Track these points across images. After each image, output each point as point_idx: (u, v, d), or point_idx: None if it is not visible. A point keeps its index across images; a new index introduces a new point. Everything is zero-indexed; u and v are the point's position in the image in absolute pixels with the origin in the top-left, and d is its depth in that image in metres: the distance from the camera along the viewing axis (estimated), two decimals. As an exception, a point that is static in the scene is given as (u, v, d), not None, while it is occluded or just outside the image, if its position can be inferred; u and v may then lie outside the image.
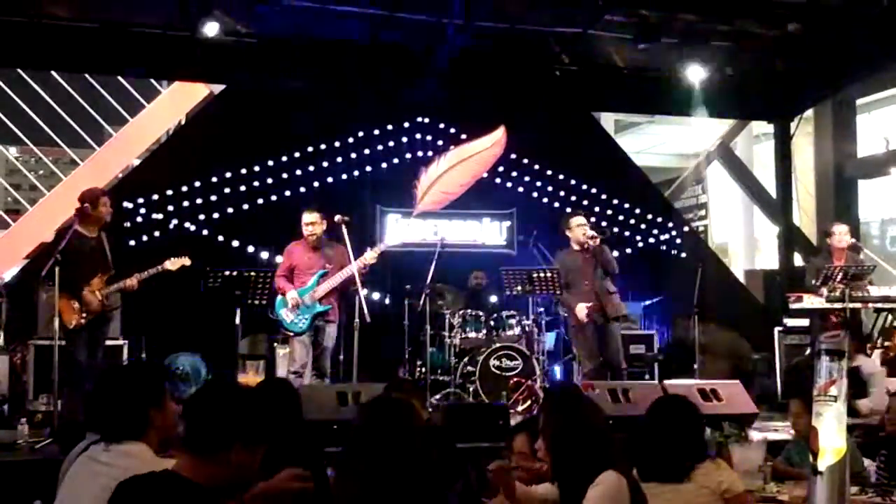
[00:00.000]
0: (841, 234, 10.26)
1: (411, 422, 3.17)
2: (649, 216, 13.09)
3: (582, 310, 9.24)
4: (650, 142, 20.44)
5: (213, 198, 11.31)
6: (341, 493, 3.13)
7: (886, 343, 10.36)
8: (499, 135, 10.84)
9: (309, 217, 9.06)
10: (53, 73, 13.74)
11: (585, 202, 12.68)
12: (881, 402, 7.54)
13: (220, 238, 11.29)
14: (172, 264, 8.52)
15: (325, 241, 9.11)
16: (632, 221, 12.99)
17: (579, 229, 9.44)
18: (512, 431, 4.79)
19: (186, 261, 8.61)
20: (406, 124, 12.08)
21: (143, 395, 3.55)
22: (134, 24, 10.70)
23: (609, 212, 12.84)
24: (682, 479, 4.19)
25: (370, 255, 8.99)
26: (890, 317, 10.42)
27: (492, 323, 10.56)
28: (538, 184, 12.56)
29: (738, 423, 7.95)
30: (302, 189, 11.50)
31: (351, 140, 11.84)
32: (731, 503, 4.23)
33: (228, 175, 11.36)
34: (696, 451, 4.34)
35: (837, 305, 9.82)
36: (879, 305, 10.24)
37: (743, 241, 19.64)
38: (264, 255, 11.27)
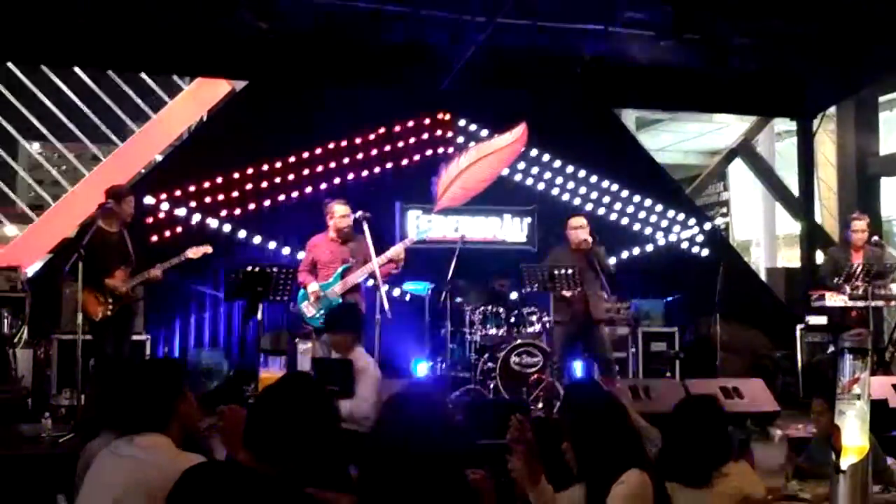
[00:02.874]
0: (859, 227, 10.18)
1: (435, 416, 3.17)
2: (671, 213, 13.05)
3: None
4: (672, 139, 20.39)
5: (235, 194, 11.34)
6: (365, 490, 3.14)
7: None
8: (519, 131, 10.81)
9: (343, 209, 9.09)
10: (76, 69, 13.78)
11: (606, 199, 12.68)
12: None
13: (242, 234, 11.32)
14: (194, 253, 8.62)
15: (350, 235, 9.14)
16: (653, 219, 12.96)
17: (573, 232, 9.57)
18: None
19: (208, 248, 8.71)
20: (427, 121, 12.09)
21: (166, 388, 3.62)
22: (156, 20, 10.73)
23: (630, 209, 12.82)
24: (705, 483, 4.18)
25: (397, 249, 9.02)
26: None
27: (512, 319, 10.56)
28: (559, 181, 12.55)
29: (760, 421, 7.95)
30: (323, 185, 11.52)
31: (372, 136, 11.85)
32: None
33: (250, 171, 11.39)
34: (720, 453, 4.34)
35: (860, 304, 9.77)
36: (902, 304, 10.20)
37: (765, 238, 19.56)
38: (286, 251, 11.29)
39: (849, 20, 10.83)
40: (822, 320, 10.65)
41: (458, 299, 10.51)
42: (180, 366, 3.89)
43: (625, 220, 12.73)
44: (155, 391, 3.61)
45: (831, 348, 10.08)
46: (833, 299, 9.93)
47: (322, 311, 8.86)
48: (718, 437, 4.39)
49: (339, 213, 9.06)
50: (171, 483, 3.05)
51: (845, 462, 4.45)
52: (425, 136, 12.09)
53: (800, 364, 10.93)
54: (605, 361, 9.63)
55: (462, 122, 12.19)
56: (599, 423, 3.79)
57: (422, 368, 10.50)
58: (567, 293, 9.42)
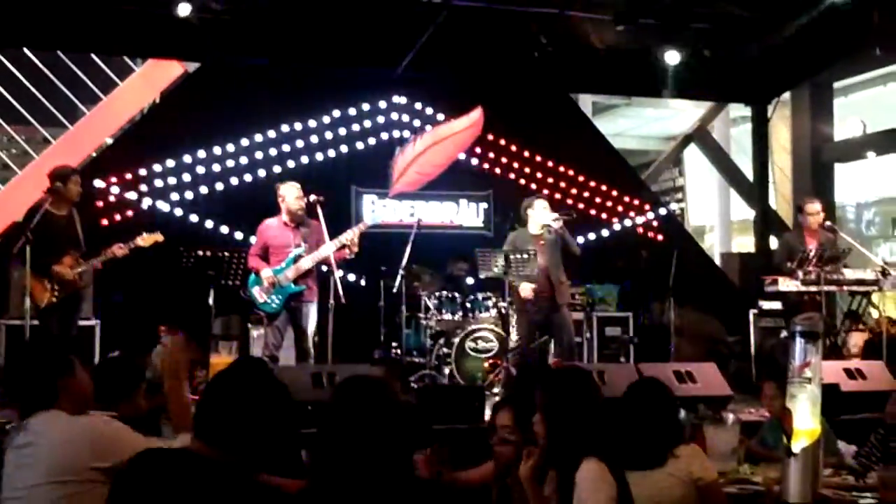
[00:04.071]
0: (813, 213, 10.22)
1: (387, 401, 3.13)
2: (626, 198, 13.08)
3: (526, 288, 9.26)
4: (628, 124, 20.43)
5: (187, 177, 11.22)
6: (316, 475, 3.10)
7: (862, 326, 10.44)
8: (476, 116, 10.75)
9: (295, 190, 8.89)
10: (25, 50, 13.55)
11: (562, 184, 12.68)
12: None
13: (194, 218, 11.20)
14: (144, 240, 8.50)
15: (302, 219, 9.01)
16: (608, 204, 12.98)
17: (544, 211, 9.45)
18: (495, 407, 4.79)
19: (159, 237, 8.60)
20: (382, 104, 12.02)
21: (45, 368, 3.65)
22: (108, 0, 10.57)
23: (586, 194, 12.82)
24: (656, 465, 4.17)
25: (350, 235, 8.87)
26: (864, 300, 10.48)
27: (468, 305, 10.55)
28: (515, 165, 12.54)
29: (713, 405, 7.98)
30: (277, 169, 11.41)
31: (327, 120, 11.78)
32: (703, 491, 4.21)
33: (202, 155, 11.28)
34: (671, 436, 4.33)
35: (812, 288, 9.84)
36: (854, 288, 10.29)
37: (719, 223, 19.68)
38: (238, 235, 11.19)
39: (804, 4, 10.87)
40: (775, 305, 10.73)
41: (414, 284, 10.46)
42: (60, 344, 3.98)
43: (581, 205, 12.71)
44: (34, 372, 3.66)
45: (784, 333, 10.15)
46: (786, 284, 9.98)
47: (274, 296, 8.74)
48: (668, 417, 4.38)
49: (293, 196, 8.89)
50: (77, 441, 3.31)
51: (797, 445, 4.47)
52: (381, 119, 12.03)
53: (753, 349, 11.02)
54: (567, 346, 9.57)
55: (418, 106, 12.14)
56: (583, 405, 3.79)
57: (376, 354, 10.44)
58: (526, 294, 9.30)
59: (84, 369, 3.80)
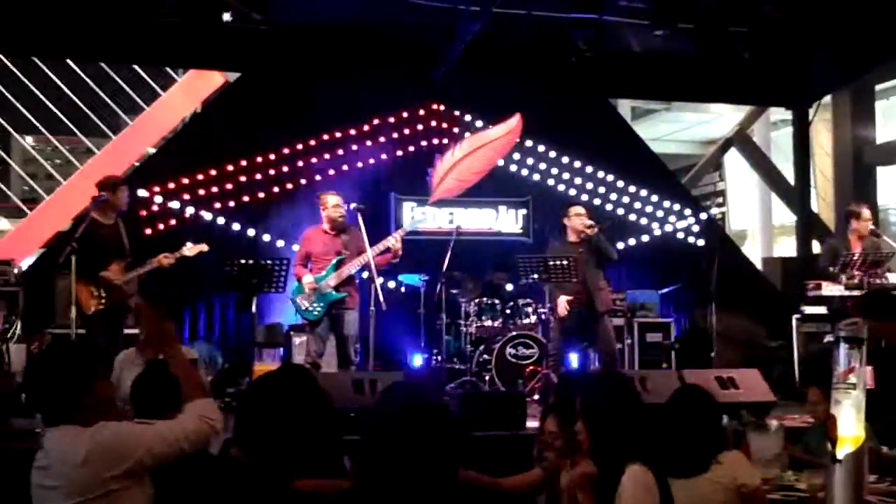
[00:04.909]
0: (867, 217, 10.16)
1: (431, 408, 3.15)
2: (666, 204, 13.03)
3: (562, 303, 9.27)
4: (667, 129, 20.39)
5: (229, 186, 11.31)
6: (360, 481, 3.12)
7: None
8: (514, 122, 10.76)
9: (335, 199, 9.06)
10: (69, 61, 13.75)
11: (602, 189, 12.65)
12: None
13: (236, 227, 11.29)
14: (190, 250, 8.58)
15: (344, 227, 9.10)
16: (648, 209, 12.93)
17: (577, 219, 9.50)
18: (543, 413, 4.82)
19: (204, 247, 8.68)
20: (421, 112, 12.06)
21: (74, 379, 3.51)
22: (150, 11, 10.69)
23: (626, 199, 12.79)
24: (700, 472, 4.17)
25: (392, 240, 8.96)
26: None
27: (508, 311, 10.55)
28: (554, 171, 12.53)
29: (756, 411, 7.92)
30: (318, 177, 11.48)
31: (366, 128, 11.82)
32: (747, 498, 4.20)
33: (244, 163, 11.36)
34: (714, 442, 4.33)
35: (856, 293, 9.75)
36: (898, 293, 10.19)
37: (761, 228, 19.55)
38: (280, 243, 11.27)
39: (845, 7, 10.79)
40: (818, 310, 10.64)
41: (454, 291, 10.49)
42: (92, 352, 3.80)
43: (620, 211, 12.69)
44: (58, 385, 3.50)
45: (828, 338, 10.06)
46: (829, 289, 9.91)
47: (316, 304, 8.82)
48: (711, 425, 4.37)
49: (332, 204, 9.03)
50: (90, 460, 3.22)
51: (841, 451, 4.44)
52: (420, 126, 12.06)
53: (796, 354, 10.91)
54: (608, 353, 9.57)
55: (457, 113, 12.16)
56: (618, 415, 3.80)
57: (417, 361, 10.47)
58: (562, 310, 9.32)
59: (108, 380, 3.74)
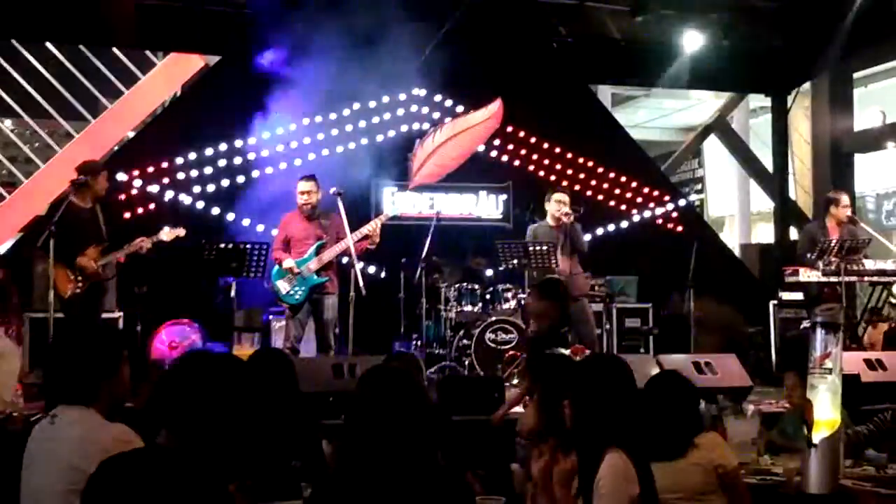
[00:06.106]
0: (846, 204, 10.25)
1: (410, 392, 3.16)
2: (645, 190, 13.06)
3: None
4: (647, 115, 20.43)
5: (209, 170, 11.26)
6: (339, 465, 3.13)
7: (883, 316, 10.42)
8: (495, 108, 10.79)
9: (304, 185, 9.04)
10: (48, 44, 13.65)
11: (581, 175, 12.67)
12: None
13: (216, 211, 11.26)
14: (167, 235, 8.57)
15: (321, 212, 9.09)
16: (628, 195, 12.96)
17: (556, 205, 9.56)
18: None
19: (181, 231, 8.67)
20: (402, 96, 12.03)
21: (97, 363, 3.48)
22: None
23: (605, 185, 12.81)
24: (678, 456, 4.20)
25: (372, 226, 8.97)
26: (884, 290, 10.46)
27: (487, 296, 10.58)
28: (534, 157, 12.52)
29: (733, 396, 7.98)
30: (297, 161, 11.45)
31: (346, 112, 11.79)
32: (725, 478, 4.24)
33: (224, 147, 11.31)
34: (691, 427, 4.36)
35: (833, 279, 9.83)
36: (875, 279, 10.27)
37: (739, 214, 19.65)
38: (260, 228, 11.23)
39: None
40: (796, 296, 10.72)
41: (434, 276, 10.51)
42: (117, 337, 3.69)
43: (600, 197, 12.71)
44: (86, 364, 3.45)
45: (805, 324, 10.14)
46: (807, 275, 9.98)
47: (297, 288, 8.83)
48: (688, 409, 4.40)
49: (300, 190, 9.04)
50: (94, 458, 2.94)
51: (817, 436, 4.49)
52: (400, 111, 12.03)
53: (773, 339, 11.00)
54: (587, 336, 9.62)
55: (437, 98, 12.14)
56: (614, 399, 3.78)
57: (397, 346, 10.49)
58: (550, 268, 9.41)
59: (127, 367, 3.63)
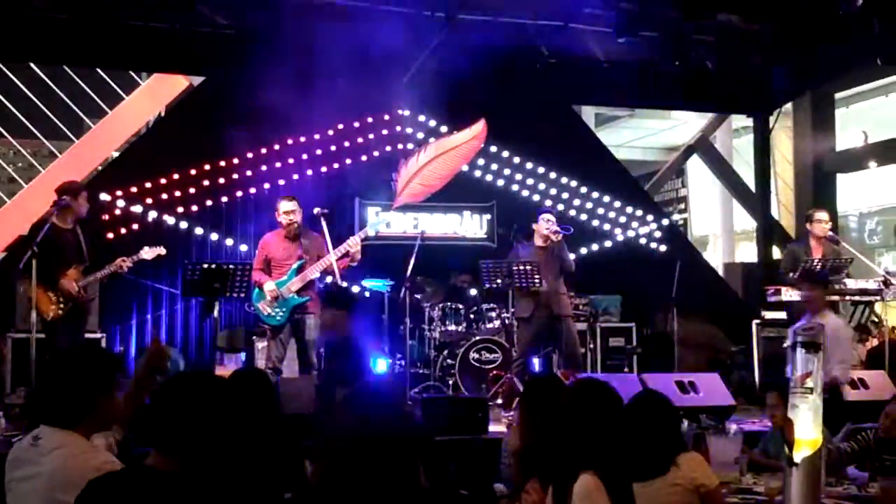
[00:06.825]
0: (822, 221, 10.26)
1: (394, 412, 3.16)
2: (629, 209, 13.10)
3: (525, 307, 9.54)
4: (630, 136, 20.49)
5: (192, 190, 11.23)
6: (321, 486, 3.13)
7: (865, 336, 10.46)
8: (479, 128, 10.78)
9: (288, 205, 9.00)
10: (32, 64, 13.64)
11: (565, 195, 12.70)
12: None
13: (199, 231, 11.23)
14: (148, 253, 8.58)
15: (301, 231, 9.06)
16: (611, 215, 12.99)
17: (546, 223, 9.59)
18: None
19: (162, 250, 8.70)
20: (386, 117, 12.05)
21: (89, 384, 3.46)
22: (113, 15, 10.63)
23: (589, 205, 12.84)
24: (658, 475, 4.20)
25: (352, 242, 8.94)
26: (866, 309, 10.49)
27: (472, 316, 10.58)
28: (518, 177, 12.55)
29: (716, 415, 8.01)
30: (281, 182, 11.44)
31: (331, 132, 11.78)
32: (706, 498, 4.25)
33: (207, 167, 11.29)
34: (672, 446, 4.36)
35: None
36: (857, 298, 10.30)
37: (722, 234, 19.72)
38: (243, 248, 11.22)
39: (804, 16, 10.91)
40: (778, 315, 10.75)
41: (418, 296, 10.51)
42: (112, 360, 3.67)
43: (583, 216, 12.74)
44: (74, 386, 3.44)
45: (786, 343, 10.17)
46: (789, 294, 10.01)
47: (278, 309, 8.80)
48: (670, 430, 4.41)
49: (283, 210, 8.99)
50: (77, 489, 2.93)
51: (798, 455, 4.50)
52: (385, 131, 12.05)
53: (756, 359, 11.02)
54: (572, 356, 9.65)
55: (422, 118, 12.16)
56: (600, 423, 3.74)
57: (381, 365, 10.47)
58: (535, 288, 9.45)
59: (116, 394, 3.61)
